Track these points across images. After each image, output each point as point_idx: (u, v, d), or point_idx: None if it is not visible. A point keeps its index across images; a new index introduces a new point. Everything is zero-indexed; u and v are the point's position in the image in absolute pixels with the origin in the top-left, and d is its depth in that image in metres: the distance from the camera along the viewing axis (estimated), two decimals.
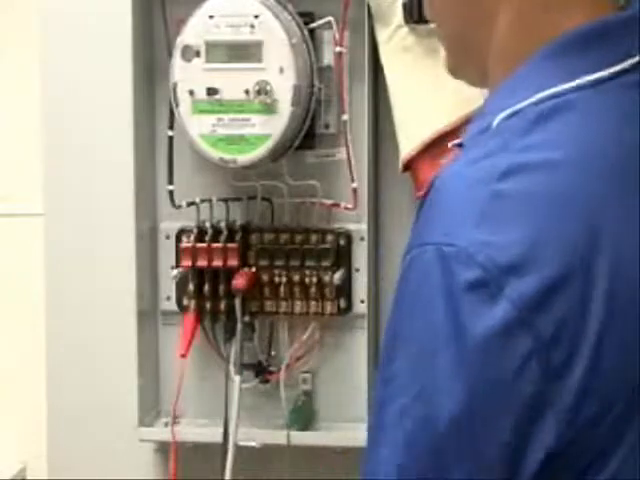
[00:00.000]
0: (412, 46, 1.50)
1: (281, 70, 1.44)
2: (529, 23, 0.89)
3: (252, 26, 1.45)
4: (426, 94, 1.49)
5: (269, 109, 1.45)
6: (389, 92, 1.53)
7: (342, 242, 1.57)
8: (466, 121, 1.15)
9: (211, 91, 1.47)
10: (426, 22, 1.42)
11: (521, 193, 0.80)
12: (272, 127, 1.46)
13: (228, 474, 1.49)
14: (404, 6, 1.48)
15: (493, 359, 0.78)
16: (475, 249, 0.78)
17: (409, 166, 1.53)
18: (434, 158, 1.49)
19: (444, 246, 0.80)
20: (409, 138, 1.51)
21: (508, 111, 0.86)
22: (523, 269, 0.78)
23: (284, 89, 1.45)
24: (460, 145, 0.95)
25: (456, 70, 0.98)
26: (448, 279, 0.79)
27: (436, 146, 1.49)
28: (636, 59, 0.89)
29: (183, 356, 1.56)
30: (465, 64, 0.96)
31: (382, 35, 1.51)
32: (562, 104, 0.85)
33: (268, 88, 1.44)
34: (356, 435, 1.54)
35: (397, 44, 1.50)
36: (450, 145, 1.01)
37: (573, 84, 0.86)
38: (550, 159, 0.82)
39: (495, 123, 0.87)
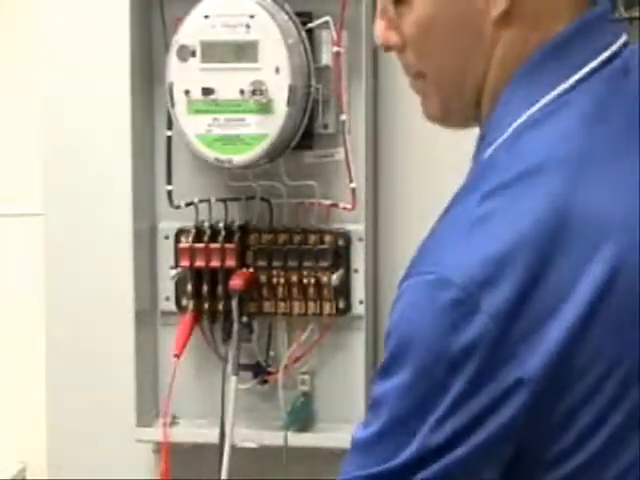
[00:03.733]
0: None
1: (277, 70, 1.44)
2: (522, 43, 0.91)
3: (248, 26, 1.44)
4: None
5: (264, 109, 1.45)
6: None
7: (340, 243, 1.56)
8: None
9: (207, 91, 1.46)
10: None
11: (489, 214, 0.86)
12: (268, 127, 1.45)
13: (224, 475, 1.49)
14: None
15: (473, 367, 0.83)
16: (452, 272, 0.85)
17: None
18: None
19: (426, 274, 0.87)
20: None
21: (500, 140, 0.90)
22: (495, 281, 0.84)
23: (280, 89, 1.44)
24: None
25: (447, 113, 0.99)
26: (430, 302, 0.86)
27: None
28: (613, 49, 0.91)
29: (177, 356, 1.56)
30: (457, 103, 0.97)
31: None
32: (541, 116, 0.89)
33: (263, 88, 1.44)
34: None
35: None
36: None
37: (554, 93, 0.90)
38: (522, 172, 0.87)
39: (487, 154, 0.91)
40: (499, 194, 0.87)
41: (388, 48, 0.98)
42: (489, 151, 0.91)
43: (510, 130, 0.90)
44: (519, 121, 0.90)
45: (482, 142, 0.94)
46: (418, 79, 0.97)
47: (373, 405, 0.89)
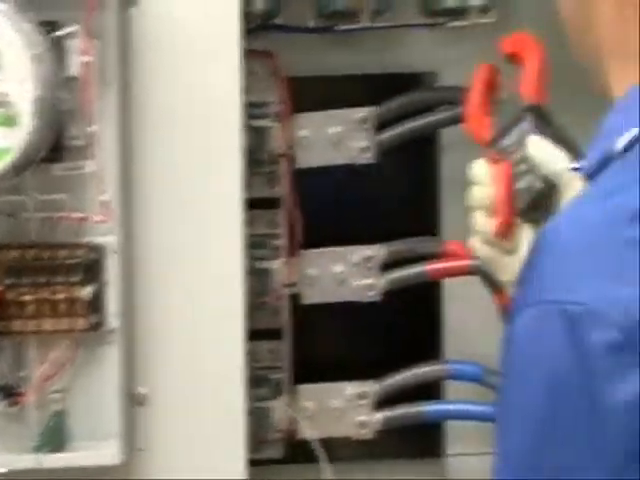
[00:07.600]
0: None
1: (21, 82, 1.39)
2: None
3: None
4: None
5: (9, 122, 1.40)
6: None
7: (93, 256, 1.53)
8: None
9: None
10: None
11: None
12: (12, 141, 1.40)
13: None
14: None
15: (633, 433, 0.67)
16: (608, 306, 0.66)
17: None
18: None
19: (568, 305, 0.67)
20: None
21: (633, 132, 0.74)
22: None
23: (25, 101, 1.39)
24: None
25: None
26: (579, 346, 0.67)
27: None
28: None
29: None
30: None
31: None
32: None
33: (8, 100, 1.39)
34: (107, 453, 1.52)
35: None
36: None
37: None
38: None
39: (619, 147, 0.74)
40: None
41: None
42: (621, 143, 0.74)
43: None
44: None
45: (607, 123, 0.77)
46: None
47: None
